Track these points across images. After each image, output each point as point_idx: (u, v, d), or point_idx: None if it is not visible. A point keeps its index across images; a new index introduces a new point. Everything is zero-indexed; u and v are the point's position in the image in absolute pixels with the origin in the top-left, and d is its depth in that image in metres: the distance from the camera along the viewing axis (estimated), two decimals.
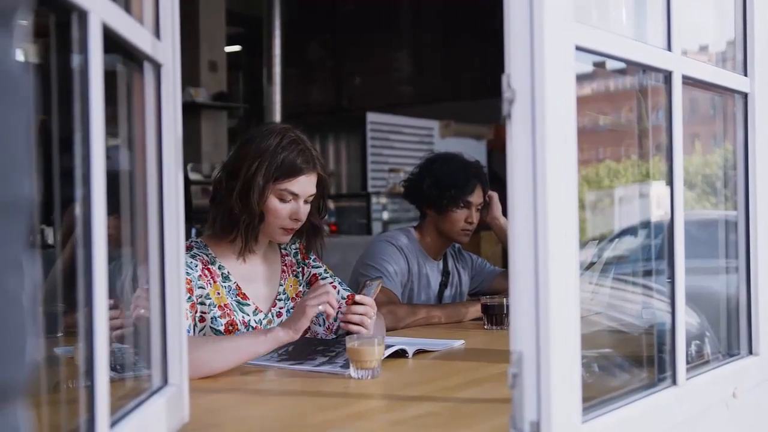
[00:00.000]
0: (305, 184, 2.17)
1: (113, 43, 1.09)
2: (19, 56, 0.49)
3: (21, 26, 0.49)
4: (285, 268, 2.33)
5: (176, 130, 1.36)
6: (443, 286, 3.07)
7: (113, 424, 1.06)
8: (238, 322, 2.14)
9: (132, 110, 1.33)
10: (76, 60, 1.00)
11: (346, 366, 1.86)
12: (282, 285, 2.30)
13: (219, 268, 2.18)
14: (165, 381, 1.34)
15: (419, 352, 2.12)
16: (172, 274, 1.35)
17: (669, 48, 1.48)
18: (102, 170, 1.00)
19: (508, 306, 2.59)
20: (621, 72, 1.69)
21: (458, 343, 2.30)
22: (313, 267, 2.37)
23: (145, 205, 1.33)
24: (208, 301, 2.10)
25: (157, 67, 1.32)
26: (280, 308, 2.27)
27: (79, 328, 1.01)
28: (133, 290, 1.46)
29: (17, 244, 0.48)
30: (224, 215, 2.16)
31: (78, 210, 0.99)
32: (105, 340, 1.00)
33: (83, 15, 0.98)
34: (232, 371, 1.90)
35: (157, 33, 1.32)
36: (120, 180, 1.30)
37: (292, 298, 2.30)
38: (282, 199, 2.15)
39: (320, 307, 1.93)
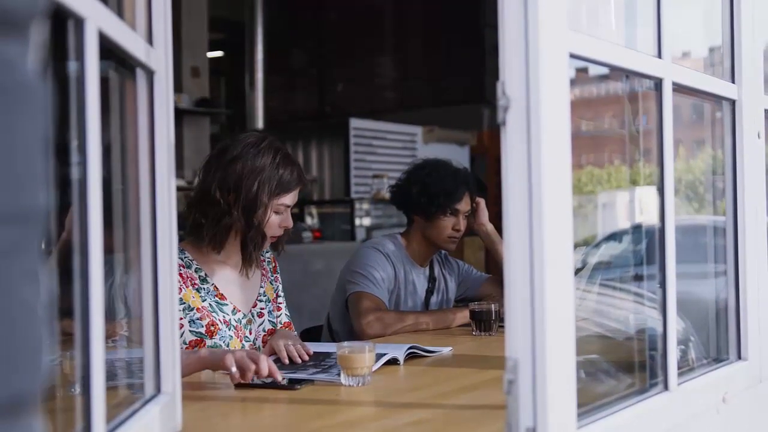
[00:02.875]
0: (296, 196, 2.30)
1: (106, 49, 1.09)
2: (34, 66, 0.48)
3: (36, 36, 0.49)
4: (264, 271, 2.42)
5: (169, 137, 1.36)
6: (429, 292, 3.07)
7: None
8: (218, 321, 2.20)
9: (124, 116, 1.32)
10: (71, 66, 1.00)
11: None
12: (262, 287, 2.39)
13: (196, 271, 2.24)
14: (158, 389, 1.33)
15: (411, 357, 2.12)
16: (164, 283, 1.35)
17: (659, 55, 1.49)
18: (98, 177, 1.00)
19: (496, 312, 2.61)
20: (604, 78, 1.70)
21: (447, 350, 2.30)
22: (279, 282, 2.48)
23: (137, 212, 1.33)
24: (182, 306, 2.14)
25: (149, 73, 1.32)
26: (261, 308, 2.36)
27: (74, 336, 1.00)
28: (121, 296, 1.45)
29: (33, 254, 0.47)
30: (223, 231, 2.21)
31: (74, 217, 0.99)
32: (101, 349, 0.99)
33: (80, 22, 0.97)
34: (225, 380, 1.89)
35: (149, 40, 1.32)
36: (111, 186, 1.29)
37: (272, 300, 2.40)
38: (277, 212, 2.26)
39: (234, 369, 1.79)
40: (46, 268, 0.50)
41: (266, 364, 1.80)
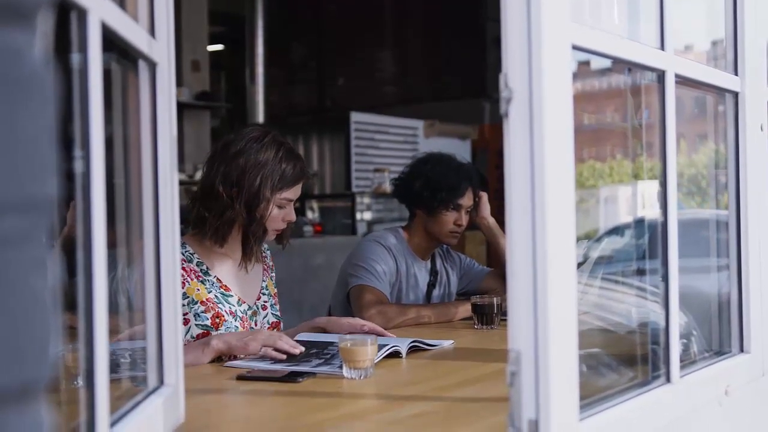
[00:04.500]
0: (299, 189, 2.30)
1: (108, 41, 1.08)
2: (42, 55, 0.48)
3: (43, 25, 0.49)
4: (265, 266, 2.45)
5: (171, 129, 1.35)
6: (431, 286, 3.07)
7: (112, 424, 1.06)
8: (224, 313, 2.22)
9: (126, 109, 1.32)
10: (74, 58, 0.99)
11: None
12: (264, 281, 2.42)
13: (197, 265, 2.25)
14: (161, 381, 1.33)
15: (413, 351, 2.13)
16: (167, 275, 1.34)
17: (662, 47, 1.49)
18: (101, 170, 0.99)
19: (498, 305, 2.61)
20: (606, 71, 1.69)
21: (448, 343, 2.30)
22: (274, 280, 2.51)
23: (140, 205, 1.32)
24: (185, 300, 2.16)
25: (152, 66, 1.31)
26: (264, 302, 2.39)
27: (76, 329, 1.00)
28: (123, 290, 1.46)
29: (41, 243, 0.47)
30: (226, 225, 2.23)
31: (77, 211, 0.98)
32: (105, 342, 0.99)
33: (83, 13, 0.97)
34: (226, 373, 1.90)
35: (152, 32, 1.32)
36: (113, 179, 1.29)
37: (273, 295, 2.44)
38: (280, 206, 2.26)
39: (262, 351, 2.01)
40: (53, 257, 0.50)
41: (289, 340, 2.01)
